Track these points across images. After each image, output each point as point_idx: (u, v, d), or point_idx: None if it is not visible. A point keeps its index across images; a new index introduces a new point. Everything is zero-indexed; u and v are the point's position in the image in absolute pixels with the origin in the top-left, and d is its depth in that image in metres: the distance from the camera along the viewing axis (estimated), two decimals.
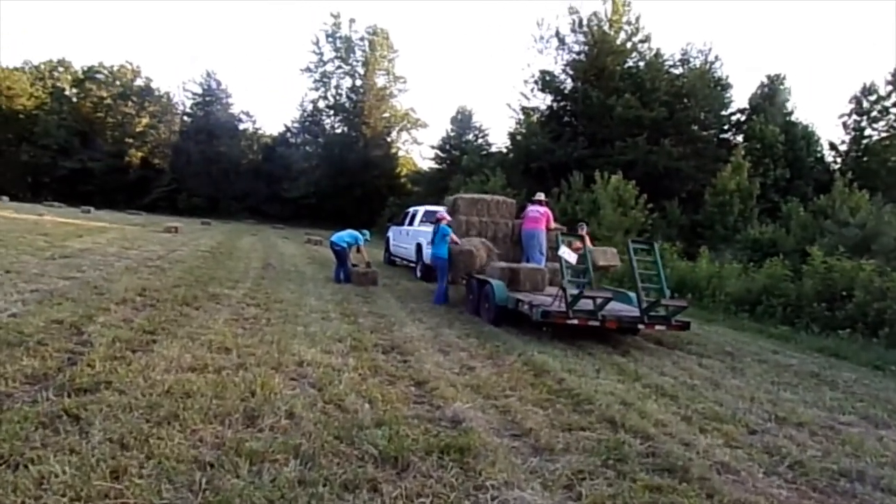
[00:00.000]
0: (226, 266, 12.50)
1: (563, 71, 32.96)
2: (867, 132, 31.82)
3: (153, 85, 59.96)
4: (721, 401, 5.65)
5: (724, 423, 4.97)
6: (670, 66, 31.18)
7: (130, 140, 57.18)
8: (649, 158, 26.96)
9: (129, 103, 58.04)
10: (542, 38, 33.70)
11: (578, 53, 32.34)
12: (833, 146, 32.36)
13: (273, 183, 51.47)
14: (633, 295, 9.26)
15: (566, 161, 28.67)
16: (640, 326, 8.15)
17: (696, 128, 30.07)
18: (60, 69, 61.04)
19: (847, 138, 32.30)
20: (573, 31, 32.47)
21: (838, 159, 31.96)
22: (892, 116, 31.47)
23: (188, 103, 57.16)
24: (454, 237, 10.67)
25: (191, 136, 53.87)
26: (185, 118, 57.71)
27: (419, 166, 55.44)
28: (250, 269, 12.66)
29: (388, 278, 13.86)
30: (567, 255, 8.22)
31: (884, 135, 31.32)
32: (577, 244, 9.27)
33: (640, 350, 7.94)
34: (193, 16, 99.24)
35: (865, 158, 30.72)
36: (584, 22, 32.00)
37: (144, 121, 58.55)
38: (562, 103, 33.14)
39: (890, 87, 31.50)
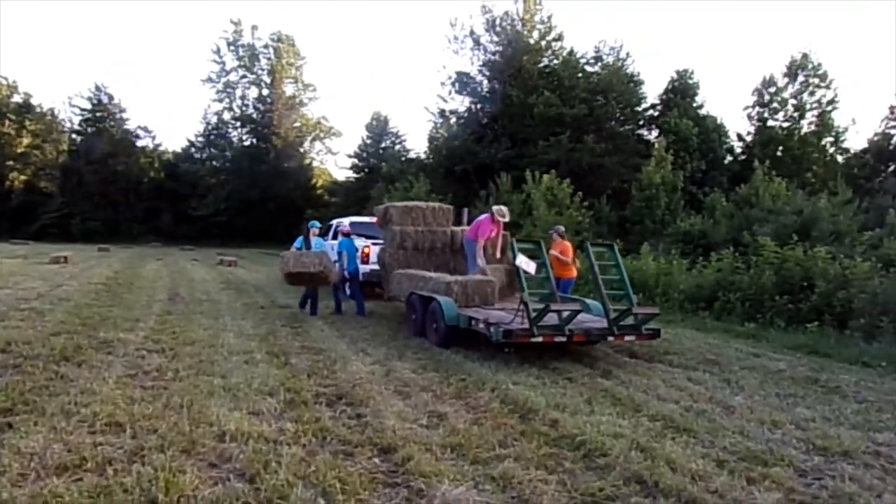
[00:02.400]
0: (123, 301, 10.64)
1: (480, 72, 32.40)
2: (769, 123, 33.29)
3: (33, 101, 54.52)
4: (743, 430, 4.75)
5: (766, 464, 4.05)
6: (585, 64, 31.27)
7: (11, 162, 51.65)
8: (572, 156, 26.75)
9: (7, 122, 52.41)
10: (456, 38, 33.06)
11: (494, 53, 31.87)
12: (740, 137, 33.58)
13: (179, 202, 48.15)
14: (591, 303, 8.47)
15: (490, 163, 28.05)
16: (610, 338, 7.25)
17: (614, 124, 30.24)
18: None
19: (752, 129, 33.64)
20: (487, 30, 32.00)
21: (746, 150, 33.13)
22: (790, 107, 33.08)
23: (76, 120, 52.61)
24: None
25: (81, 156, 49.42)
26: (74, 136, 52.89)
27: (335, 177, 53.66)
28: (154, 302, 10.85)
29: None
30: (525, 264, 7.21)
31: (784, 124, 32.83)
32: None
33: (619, 367, 7.01)
34: (77, 23, 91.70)
35: (770, 147, 32.03)
36: (498, 21, 31.62)
37: (26, 140, 52.98)
38: (480, 104, 32.53)
39: (787, 79, 33.12)
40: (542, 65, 31.16)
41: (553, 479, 3.70)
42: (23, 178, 51.83)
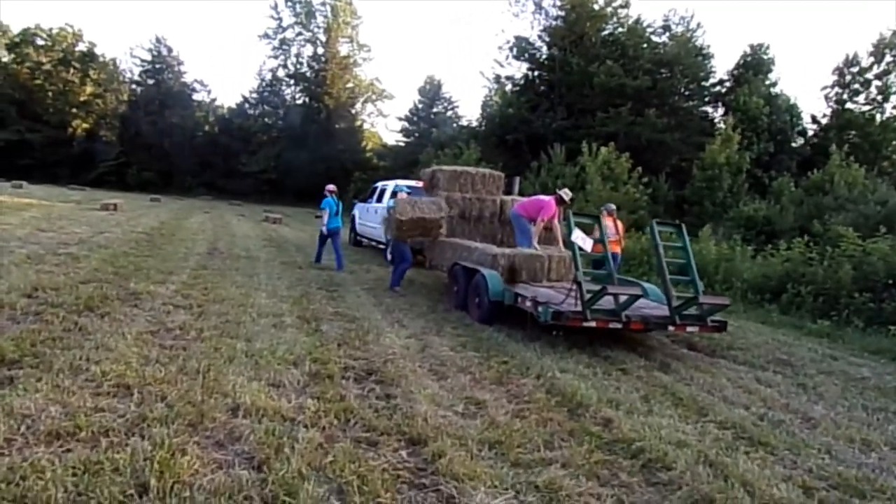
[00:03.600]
0: (161, 252, 10.46)
1: (540, 37, 31.09)
2: (848, 105, 30.96)
3: (97, 51, 55.47)
4: (830, 449, 4.07)
5: (864, 496, 3.40)
6: (651, 34, 29.59)
7: (74, 110, 52.94)
8: (632, 130, 25.46)
9: (71, 70, 53.56)
10: (517, 1, 31.70)
11: (556, 18, 30.47)
12: (815, 119, 31.38)
13: (230, 157, 48.57)
14: (648, 286, 7.78)
15: (544, 133, 27.03)
16: (671, 328, 6.56)
17: (679, 99, 28.65)
18: None
19: (828, 111, 31.40)
20: None
21: (820, 133, 31.00)
22: (873, 89, 30.68)
23: (136, 71, 53.37)
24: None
25: (140, 107, 50.31)
26: (134, 87, 53.84)
27: (385, 140, 53.20)
28: (191, 255, 10.64)
29: (355, 263, 12.05)
30: (580, 240, 6.53)
31: (865, 108, 30.49)
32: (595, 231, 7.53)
33: (678, 360, 6.34)
34: None
35: (846, 132, 29.84)
36: None
37: (89, 89, 54.14)
38: (538, 72, 31.30)
39: (872, 59, 30.63)
40: (605, 32, 29.64)
41: (607, 495, 3.14)
42: (85, 126, 53.16)
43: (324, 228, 11.19)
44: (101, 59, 54.97)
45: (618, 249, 9.20)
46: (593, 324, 6.09)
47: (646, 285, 7.85)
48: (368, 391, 4.40)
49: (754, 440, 4.11)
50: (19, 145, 47.60)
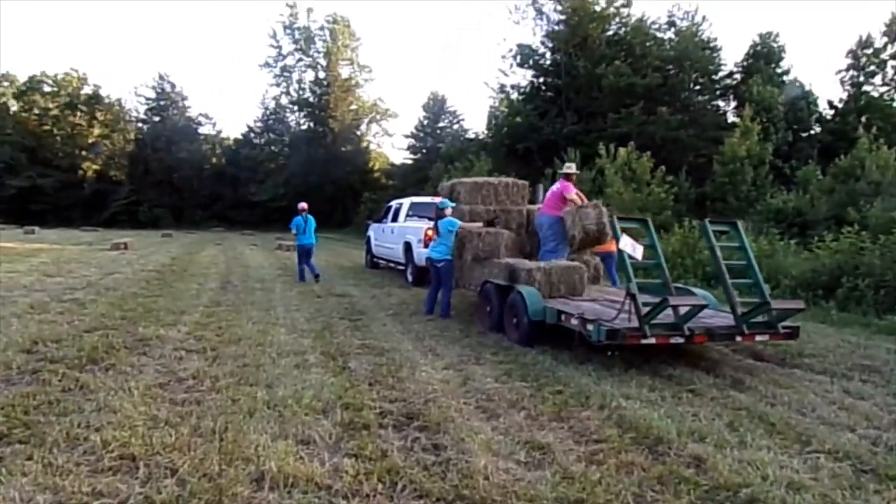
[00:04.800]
0: (172, 291, 9.93)
1: (543, 43, 30.62)
2: (864, 87, 30.08)
3: (102, 92, 55.91)
4: None
5: None
6: (656, 31, 29.03)
7: (83, 152, 53.37)
8: (645, 129, 24.80)
9: (78, 113, 53.97)
10: (517, 8, 31.49)
11: (557, 23, 30.02)
12: (831, 105, 30.51)
13: (239, 187, 48.57)
14: (700, 292, 7.13)
15: (555, 139, 26.48)
16: (738, 339, 5.88)
17: (690, 94, 27.99)
18: (5, 83, 56.56)
19: (844, 95, 30.53)
20: None
21: (838, 118, 30.12)
22: (889, 70, 29.84)
23: (142, 109, 53.82)
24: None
25: (147, 144, 50.65)
26: (140, 125, 54.16)
27: (392, 159, 52.95)
28: (204, 291, 10.10)
29: (375, 287, 11.47)
30: (630, 248, 5.89)
31: (882, 89, 29.63)
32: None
33: (750, 374, 5.64)
34: (139, 16, 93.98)
35: (867, 115, 28.95)
36: None
37: (96, 131, 54.51)
38: (544, 78, 30.79)
39: (886, 39, 29.81)
40: (610, 33, 29.13)
41: None
42: (94, 167, 53.38)
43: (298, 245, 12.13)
44: (106, 100, 55.45)
45: (613, 248, 8.54)
46: (653, 340, 5.43)
47: (698, 291, 7.19)
48: (412, 441, 3.77)
49: (880, 474, 3.42)
50: (32, 191, 47.87)
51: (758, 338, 5.87)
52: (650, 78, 25.42)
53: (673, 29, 29.28)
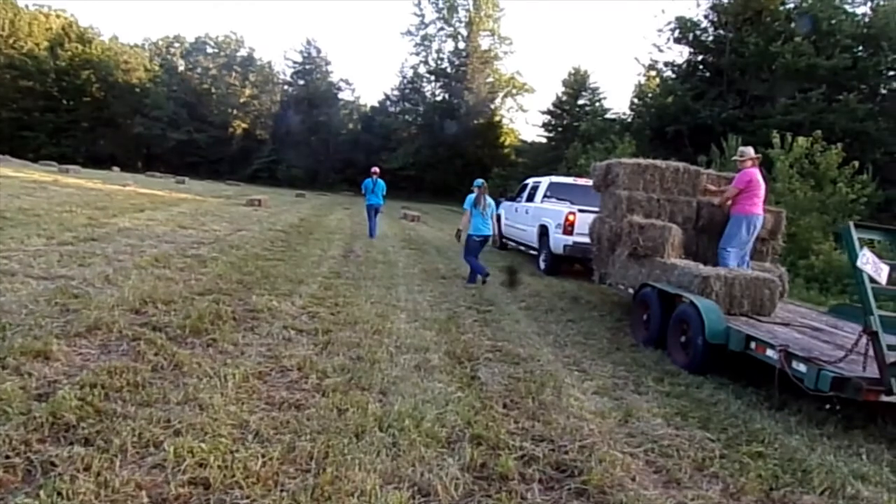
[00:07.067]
0: (295, 255, 9.49)
1: (707, 17, 27.44)
2: None
3: (255, 55, 59.37)
4: None
5: None
6: (849, 3, 24.98)
7: (234, 111, 57.05)
8: (823, 119, 21.37)
9: (233, 74, 57.67)
10: None
11: None
12: None
13: (372, 153, 49.23)
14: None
15: (710, 124, 23.70)
16: None
17: (884, 80, 23.91)
18: (176, 44, 61.56)
19: None
20: None
21: None
22: None
23: (289, 73, 56.11)
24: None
25: (291, 106, 52.74)
26: (286, 88, 56.71)
27: (523, 136, 51.34)
28: (325, 259, 9.58)
29: (503, 272, 10.37)
30: (872, 267, 4.30)
31: None
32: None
33: None
34: None
35: None
36: None
37: (248, 91, 58.15)
38: (703, 56, 27.73)
39: None
40: (790, 6, 25.48)
41: None
42: (243, 125, 56.97)
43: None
44: (258, 62, 58.63)
45: None
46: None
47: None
48: None
49: None
50: (188, 144, 51.87)
51: None
52: (837, 59, 21.82)
53: (870, 3, 25.08)
